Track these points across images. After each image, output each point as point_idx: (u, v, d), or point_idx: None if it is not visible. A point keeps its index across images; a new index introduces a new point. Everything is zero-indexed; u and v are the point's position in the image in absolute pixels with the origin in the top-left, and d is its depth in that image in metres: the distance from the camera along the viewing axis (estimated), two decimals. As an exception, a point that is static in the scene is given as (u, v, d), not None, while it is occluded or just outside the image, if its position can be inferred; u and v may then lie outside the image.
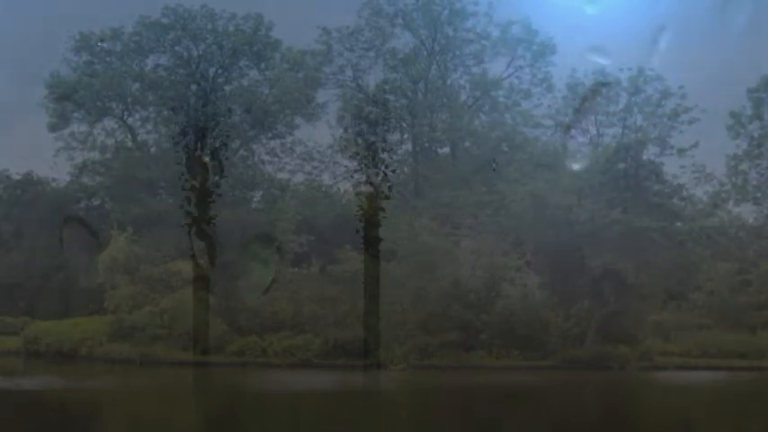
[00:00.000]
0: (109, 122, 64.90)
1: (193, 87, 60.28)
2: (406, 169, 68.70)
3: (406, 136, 68.58)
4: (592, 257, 51.24)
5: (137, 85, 62.98)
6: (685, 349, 53.44)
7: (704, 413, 34.68)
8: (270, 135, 64.14)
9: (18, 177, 69.35)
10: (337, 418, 31.10)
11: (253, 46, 61.75)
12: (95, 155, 65.37)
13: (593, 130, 69.53)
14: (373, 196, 52.34)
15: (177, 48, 62.05)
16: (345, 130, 62.17)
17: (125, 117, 64.81)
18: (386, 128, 56.39)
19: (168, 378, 46.57)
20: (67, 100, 62.56)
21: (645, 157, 56.67)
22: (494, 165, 61.34)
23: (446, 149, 71.74)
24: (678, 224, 55.69)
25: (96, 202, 68.30)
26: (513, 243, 54.86)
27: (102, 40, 62.23)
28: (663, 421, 31.37)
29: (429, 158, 69.94)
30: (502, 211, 57.43)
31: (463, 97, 71.31)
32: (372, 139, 54.92)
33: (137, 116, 64.95)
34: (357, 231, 51.43)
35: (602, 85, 65.51)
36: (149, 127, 65.15)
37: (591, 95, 66.40)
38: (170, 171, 57.86)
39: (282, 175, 66.44)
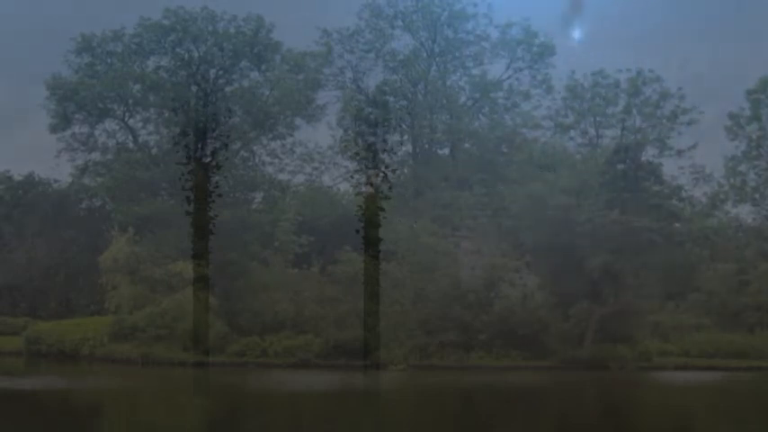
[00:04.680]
0: (110, 123, 65.30)
1: (194, 89, 60.41)
2: (405, 170, 68.99)
3: (405, 137, 68.89)
4: (591, 258, 51.38)
5: (138, 87, 63.16)
6: (684, 349, 53.63)
7: (702, 413, 34.81)
8: (270, 136, 64.36)
9: (19, 178, 69.58)
10: (337, 419, 31.25)
11: (253, 48, 61.93)
12: (96, 156, 65.71)
13: (592, 132, 69.97)
14: (373, 197, 52.47)
15: (178, 49, 62.23)
16: (345, 131, 62.46)
17: (126, 118, 65.06)
18: (386, 129, 56.52)
19: (170, 378, 46.71)
20: (69, 101, 62.77)
21: (644, 159, 56.87)
22: None
23: (446, 150, 72.06)
24: (677, 225, 55.89)
25: (97, 203, 68.54)
26: (512, 244, 55.05)
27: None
28: (660, 421, 31.52)
29: (429, 159, 70.22)
30: (501, 212, 57.64)
31: (463, 99, 71.61)
32: (372, 140, 55.06)
33: (138, 117, 65.27)
34: (357, 232, 51.61)
35: None
36: (150, 128, 65.45)
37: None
38: (171, 172, 58.04)
39: (283, 176, 66.88)
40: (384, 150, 55.19)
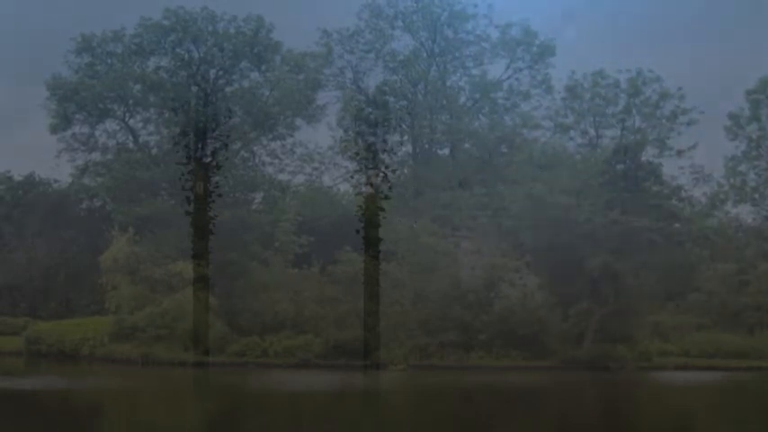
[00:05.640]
0: (110, 124, 65.26)
1: (194, 89, 60.45)
2: (405, 170, 69.04)
3: (405, 137, 68.91)
4: (591, 258, 51.45)
5: (138, 87, 63.17)
6: (684, 349, 53.69)
7: (702, 413, 34.85)
8: (270, 136, 64.37)
9: (20, 178, 69.60)
10: (337, 419, 31.29)
11: (253, 48, 61.94)
12: (97, 156, 65.68)
13: (591, 132, 70.01)
14: (373, 197, 52.51)
15: (178, 50, 62.23)
16: (346, 131, 62.52)
17: (126, 118, 65.07)
18: (386, 129, 56.60)
19: (170, 378, 46.74)
20: (69, 101, 62.80)
21: (643, 159, 56.94)
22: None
23: (446, 151, 72.11)
24: (677, 225, 55.94)
25: (98, 203, 68.53)
26: (512, 244, 55.11)
27: None
28: (660, 422, 31.56)
29: (429, 160, 70.27)
30: (501, 212, 57.69)
31: (463, 99, 71.66)
32: (372, 140, 55.13)
33: (138, 117, 65.25)
34: (357, 232, 51.64)
35: None
36: (150, 128, 65.45)
37: None
38: (171, 172, 58.08)
39: (283, 177, 66.86)
40: (384, 150, 55.26)
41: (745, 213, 66.35)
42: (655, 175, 55.06)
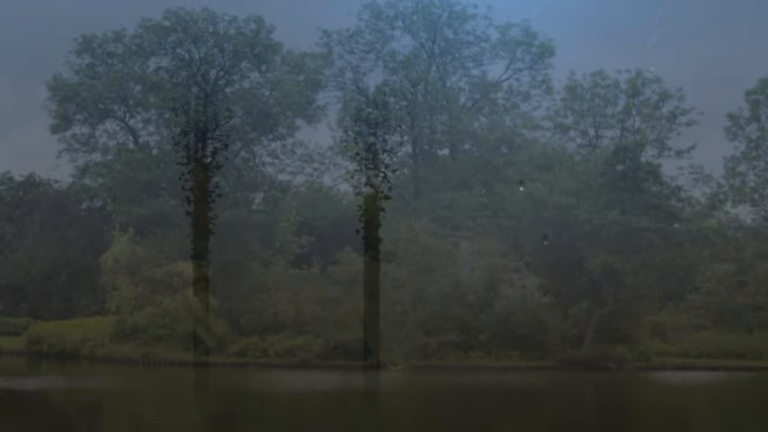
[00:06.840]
0: (111, 124, 65.37)
1: (195, 89, 60.46)
2: (405, 171, 69.14)
3: (405, 138, 68.92)
4: (590, 258, 51.61)
5: (138, 87, 63.32)
6: (683, 349, 53.84)
7: (700, 414, 34.96)
8: (271, 137, 64.44)
9: (20, 179, 69.71)
10: (337, 419, 31.39)
11: (254, 48, 62.03)
12: (97, 156, 65.77)
13: (591, 132, 70.06)
14: (373, 198, 52.57)
15: (179, 50, 62.35)
16: (346, 131, 62.50)
17: (127, 119, 65.20)
18: (386, 130, 56.58)
19: (171, 378, 46.85)
20: (69, 102, 62.90)
21: (643, 159, 57.03)
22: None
23: (446, 151, 72.21)
24: (676, 225, 56.00)
25: (98, 204, 68.63)
26: (512, 244, 55.20)
27: None
28: (659, 421, 31.66)
29: (429, 160, 70.38)
30: (501, 213, 57.80)
31: (463, 99, 71.76)
32: (372, 140, 55.16)
33: (138, 118, 65.37)
34: (357, 232, 51.73)
35: None
36: (151, 129, 65.57)
37: None
38: (171, 172, 58.17)
39: (283, 177, 66.88)
40: (384, 151, 55.28)
41: (744, 214, 66.46)
42: (654, 175, 55.17)
